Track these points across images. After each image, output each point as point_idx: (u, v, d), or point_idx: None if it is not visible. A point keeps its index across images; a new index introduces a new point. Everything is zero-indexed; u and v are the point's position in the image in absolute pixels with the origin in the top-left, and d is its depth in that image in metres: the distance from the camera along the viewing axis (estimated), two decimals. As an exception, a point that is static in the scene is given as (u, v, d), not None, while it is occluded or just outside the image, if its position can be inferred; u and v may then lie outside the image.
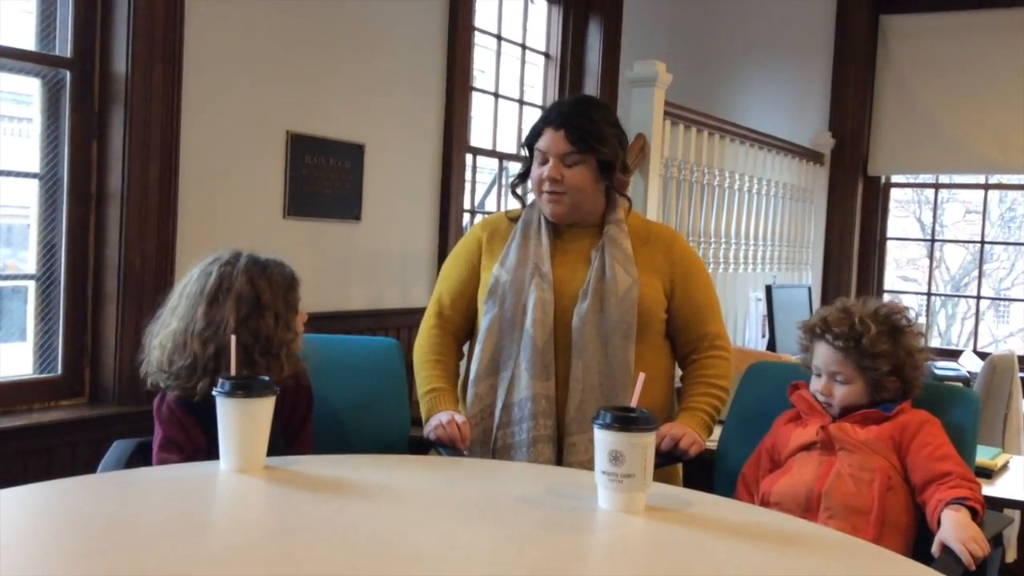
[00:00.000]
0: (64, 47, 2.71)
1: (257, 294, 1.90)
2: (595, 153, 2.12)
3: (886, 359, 1.97)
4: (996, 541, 1.91)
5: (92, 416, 2.71)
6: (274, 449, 1.74)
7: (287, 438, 1.98)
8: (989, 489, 2.50)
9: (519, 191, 2.28)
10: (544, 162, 2.15)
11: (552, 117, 2.16)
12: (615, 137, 2.16)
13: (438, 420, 2.13)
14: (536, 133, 2.17)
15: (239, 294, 1.89)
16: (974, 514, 1.76)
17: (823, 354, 2.04)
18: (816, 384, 2.05)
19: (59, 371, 2.75)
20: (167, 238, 2.83)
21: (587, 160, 2.12)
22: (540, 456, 2.09)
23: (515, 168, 4.51)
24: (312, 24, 3.32)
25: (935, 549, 1.72)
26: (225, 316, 1.87)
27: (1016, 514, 3.12)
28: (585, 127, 2.12)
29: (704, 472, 2.24)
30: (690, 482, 2.24)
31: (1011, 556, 3.27)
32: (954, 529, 1.72)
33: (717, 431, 2.28)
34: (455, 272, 2.30)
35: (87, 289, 2.78)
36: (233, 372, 1.73)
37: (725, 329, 2.29)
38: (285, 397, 1.72)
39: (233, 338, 1.77)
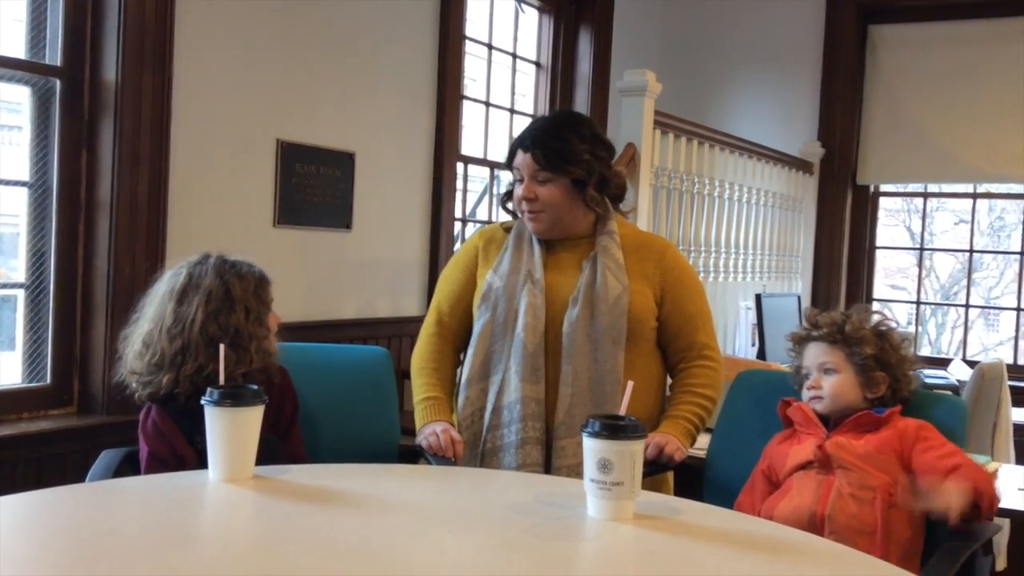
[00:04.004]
0: (54, 55, 2.71)
1: (228, 288, 1.92)
2: (564, 173, 2.15)
3: (871, 344, 2.03)
4: (987, 548, 1.92)
5: (81, 426, 2.70)
6: (268, 448, 1.74)
7: (278, 436, 1.98)
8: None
9: (509, 206, 2.31)
10: (521, 180, 2.19)
11: (524, 139, 2.20)
12: (589, 153, 2.16)
13: (432, 430, 2.14)
14: (512, 154, 2.22)
15: (208, 290, 1.91)
16: (978, 513, 1.78)
17: (812, 352, 2.09)
18: (806, 385, 2.07)
19: (48, 380, 2.75)
20: (157, 247, 2.83)
21: (558, 179, 2.15)
22: (528, 458, 2.09)
23: (506, 177, 4.52)
24: (303, 32, 3.32)
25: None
26: (193, 311, 1.88)
27: (1006, 522, 3.12)
28: (554, 147, 2.14)
29: (693, 480, 2.25)
30: (679, 491, 2.24)
31: (1001, 564, 3.28)
32: (941, 488, 1.77)
33: (706, 439, 2.28)
34: (454, 279, 2.32)
35: (76, 298, 2.77)
36: (221, 381, 1.73)
37: (715, 339, 2.29)
38: (270, 399, 1.72)
39: (222, 347, 1.77)
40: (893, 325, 2.12)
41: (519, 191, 2.19)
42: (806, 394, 2.07)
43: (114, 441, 2.32)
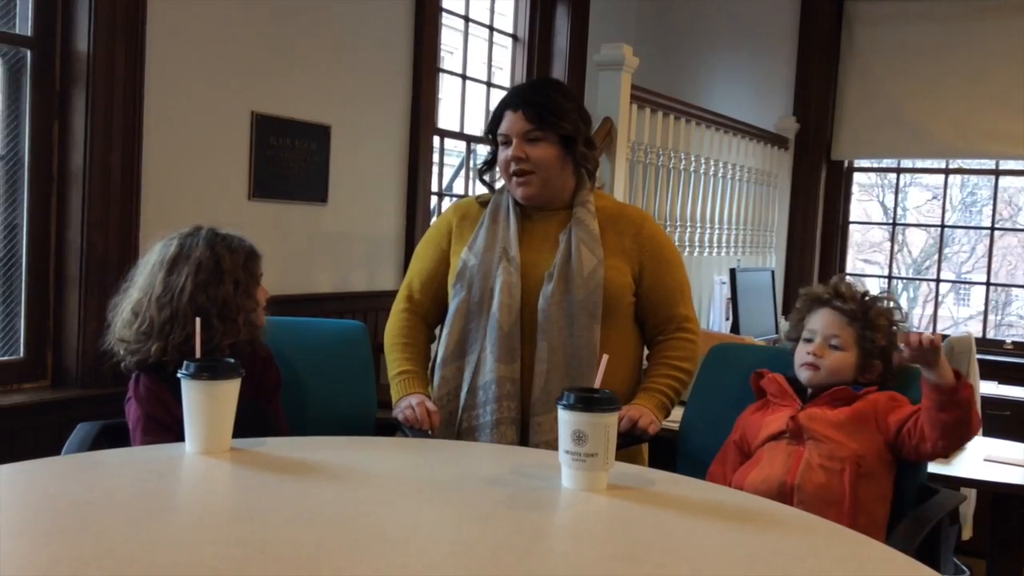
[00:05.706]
0: (25, 26, 2.67)
1: (217, 260, 1.93)
2: (555, 128, 2.14)
3: (884, 335, 2.05)
4: (953, 518, 1.96)
5: (55, 399, 2.69)
6: (252, 416, 1.75)
7: (263, 401, 1.99)
8: (945, 468, 2.56)
9: (487, 178, 2.30)
10: (508, 144, 2.16)
11: (509, 100, 2.19)
12: (574, 111, 2.17)
13: (408, 403, 2.14)
14: (497, 119, 2.20)
15: (198, 260, 1.92)
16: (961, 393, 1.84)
17: (824, 319, 2.08)
18: (805, 348, 2.07)
19: (21, 354, 2.73)
20: (130, 220, 2.81)
21: (549, 136, 2.14)
22: (503, 438, 2.10)
23: (483, 151, 4.51)
24: (277, 3, 3.29)
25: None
26: (182, 281, 1.89)
27: (972, 492, 3.18)
28: (542, 103, 2.14)
29: (667, 452, 2.27)
30: (653, 462, 2.27)
31: (967, 533, 3.33)
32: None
33: (680, 412, 2.30)
34: (425, 256, 2.31)
35: (49, 271, 2.75)
36: (198, 354, 1.73)
37: (694, 311, 2.30)
38: (252, 371, 1.73)
39: (199, 321, 1.77)
40: (898, 316, 2.14)
41: (508, 154, 2.16)
42: (801, 357, 2.08)
43: (89, 414, 2.32)
